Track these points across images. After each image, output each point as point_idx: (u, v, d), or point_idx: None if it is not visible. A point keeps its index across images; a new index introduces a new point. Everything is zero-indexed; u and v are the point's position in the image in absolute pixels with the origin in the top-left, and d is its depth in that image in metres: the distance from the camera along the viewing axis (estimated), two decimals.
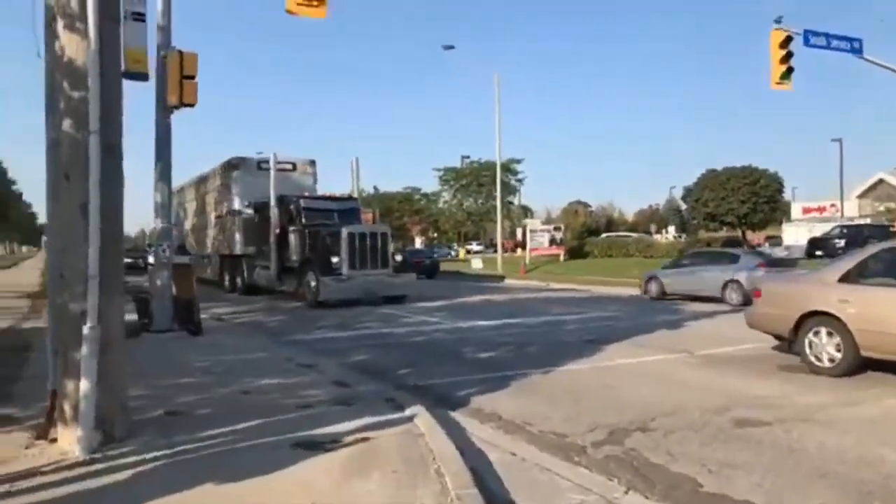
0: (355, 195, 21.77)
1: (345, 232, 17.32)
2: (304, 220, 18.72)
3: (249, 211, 20.43)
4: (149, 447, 4.61)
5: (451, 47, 33.93)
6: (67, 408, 4.49)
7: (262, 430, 5.18)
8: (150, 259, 11.95)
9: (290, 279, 18.75)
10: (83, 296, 4.46)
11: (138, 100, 10.47)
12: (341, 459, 4.53)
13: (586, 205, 78.39)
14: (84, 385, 4.35)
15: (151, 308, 11.06)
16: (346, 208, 20.33)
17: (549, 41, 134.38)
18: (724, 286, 17.35)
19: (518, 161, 54.43)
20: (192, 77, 11.15)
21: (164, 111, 11.35)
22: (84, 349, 4.38)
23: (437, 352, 10.05)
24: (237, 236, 21.43)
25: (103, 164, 4.55)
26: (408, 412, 5.82)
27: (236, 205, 21.25)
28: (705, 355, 9.38)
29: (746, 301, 13.85)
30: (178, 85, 10.90)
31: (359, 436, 5.05)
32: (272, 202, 18.96)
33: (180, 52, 10.94)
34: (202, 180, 25.59)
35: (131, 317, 11.27)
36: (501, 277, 31.20)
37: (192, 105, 11.15)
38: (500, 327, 12.77)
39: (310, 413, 5.77)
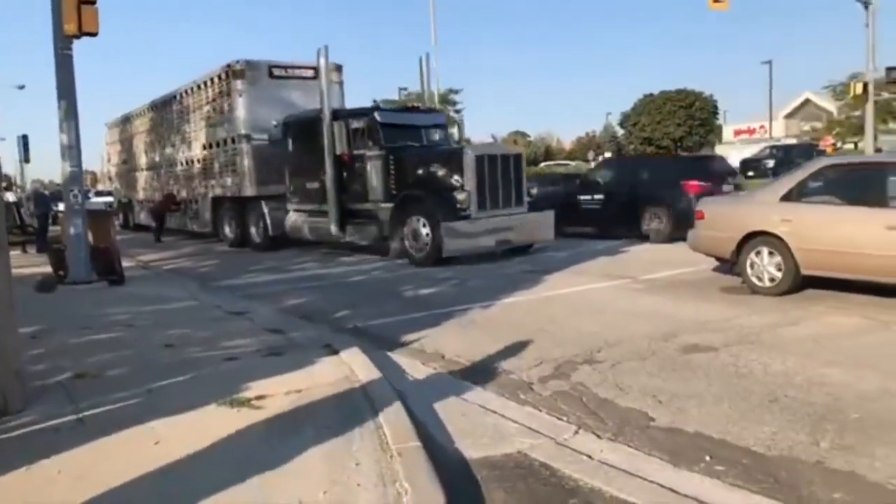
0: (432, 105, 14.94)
1: (470, 155, 12.04)
2: (383, 142, 12.99)
3: (263, 137, 15.51)
4: (49, 416, 4.11)
5: None
6: None
7: (183, 389, 4.74)
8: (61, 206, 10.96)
9: (362, 228, 13.27)
10: None
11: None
12: (270, 416, 4.15)
13: (525, 135, 77.81)
14: None
15: (66, 259, 10.25)
16: (433, 124, 14.43)
17: None
18: None
19: (456, 91, 53.24)
20: (92, 2, 10.03)
21: (62, 42, 10.23)
22: None
23: (377, 291, 9.67)
24: (247, 171, 15.95)
25: None
26: (344, 357, 5.47)
27: (242, 128, 15.88)
28: (648, 280, 9.31)
29: None
30: (75, 11, 9.77)
31: (291, 388, 4.67)
32: (325, 118, 12.99)
33: None
34: (170, 102, 19.86)
35: (46, 269, 10.52)
36: None
37: (93, 34, 10.07)
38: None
39: (238, 365, 5.35)
